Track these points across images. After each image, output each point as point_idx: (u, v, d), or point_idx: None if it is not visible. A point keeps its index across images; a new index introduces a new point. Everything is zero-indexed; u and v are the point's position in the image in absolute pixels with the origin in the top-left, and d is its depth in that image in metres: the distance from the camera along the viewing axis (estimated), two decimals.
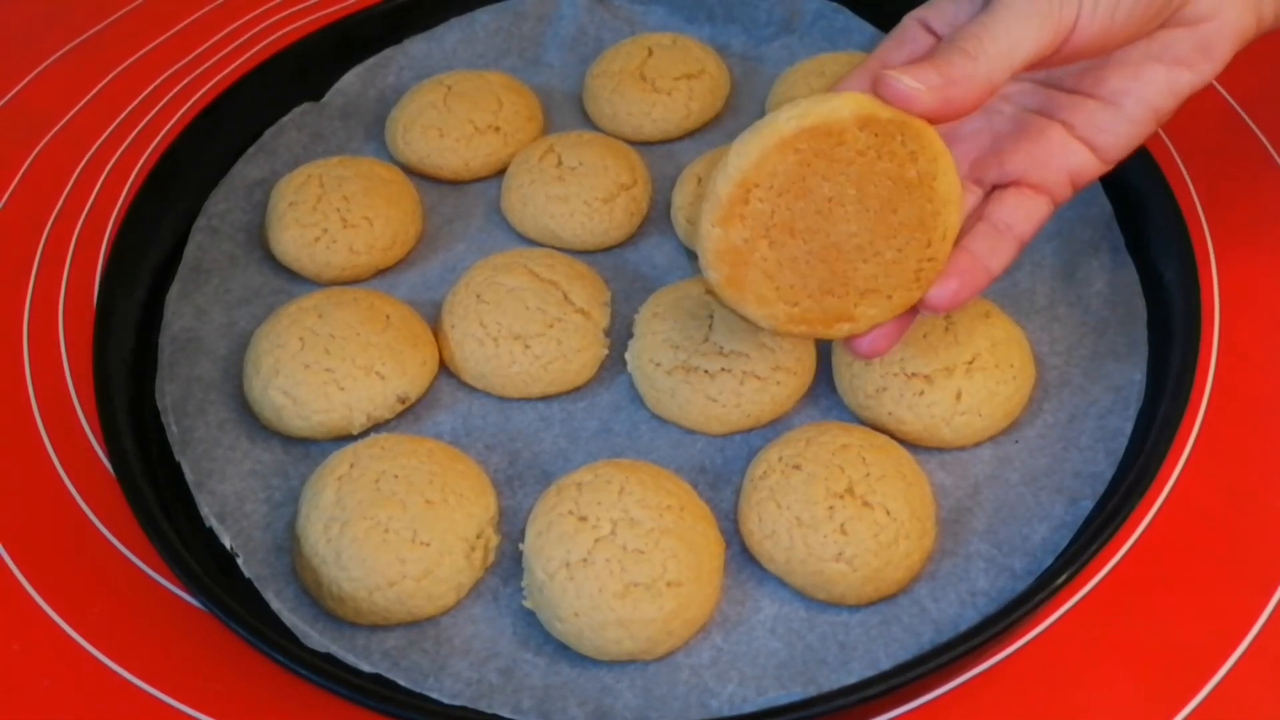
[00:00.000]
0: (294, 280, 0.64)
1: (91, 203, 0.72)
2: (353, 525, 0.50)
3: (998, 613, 0.46)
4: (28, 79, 0.80)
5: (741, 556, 0.52)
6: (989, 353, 0.54)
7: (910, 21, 0.49)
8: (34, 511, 0.57)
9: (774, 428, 0.56)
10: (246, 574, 0.51)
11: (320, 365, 0.56)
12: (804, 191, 0.43)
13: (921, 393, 0.54)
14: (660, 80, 0.71)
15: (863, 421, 0.56)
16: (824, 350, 0.59)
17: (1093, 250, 0.61)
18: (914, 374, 0.54)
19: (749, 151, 0.43)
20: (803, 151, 0.43)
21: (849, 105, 0.43)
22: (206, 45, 0.82)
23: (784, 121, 0.43)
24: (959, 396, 0.54)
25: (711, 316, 0.57)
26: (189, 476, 0.54)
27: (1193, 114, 0.71)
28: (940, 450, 0.55)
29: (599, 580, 0.48)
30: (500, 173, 0.70)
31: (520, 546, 0.51)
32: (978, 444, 0.55)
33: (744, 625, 0.50)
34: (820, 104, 0.43)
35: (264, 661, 0.46)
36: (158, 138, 0.75)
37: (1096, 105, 0.49)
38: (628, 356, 0.58)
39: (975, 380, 0.54)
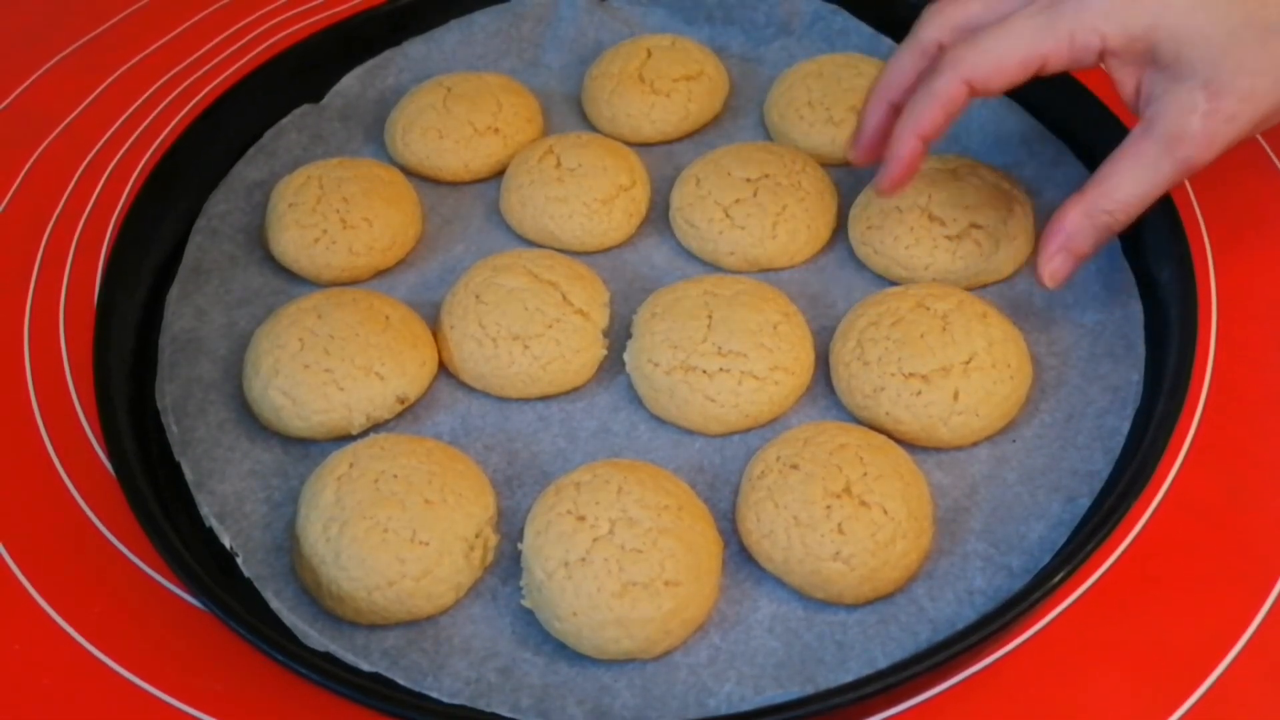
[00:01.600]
0: (294, 281, 0.64)
1: (92, 204, 0.72)
2: (352, 525, 0.50)
3: (995, 611, 0.46)
4: (29, 81, 0.80)
5: (739, 556, 0.52)
6: (986, 353, 0.55)
7: (958, 86, 0.51)
8: (34, 511, 0.57)
9: (772, 428, 0.57)
10: (246, 574, 0.51)
11: (320, 366, 0.56)
12: None
13: (919, 393, 0.54)
14: (659, 81, 0.71)
15: (860, 422, 0.56)
16: (822, 350, 0.59)
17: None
18: (911, 374, 0.54)
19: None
20: None
21: None
22: (207, 48, 0.82)
23: None
24: (956, 396, 0.54)
25: (710, 317, 0.57)
26: (189, 476, 0.55)
27: None
28: (938, 450, 0.55)
29: (597, 580, 0.48)
30: (499, 174, 0.70)
31: (519, 546, 0.52)
32: (975, 444, 0.55)
33: (742, 624, 0.50)
34: None
35: (264, 661, 0.47)
36: (158, 139, 0.76)
37: None
38: (626, 357, 0.58)
39: (972, 380, 0.54)
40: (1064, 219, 0.52)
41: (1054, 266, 0.53)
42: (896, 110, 0.53)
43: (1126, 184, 0.50)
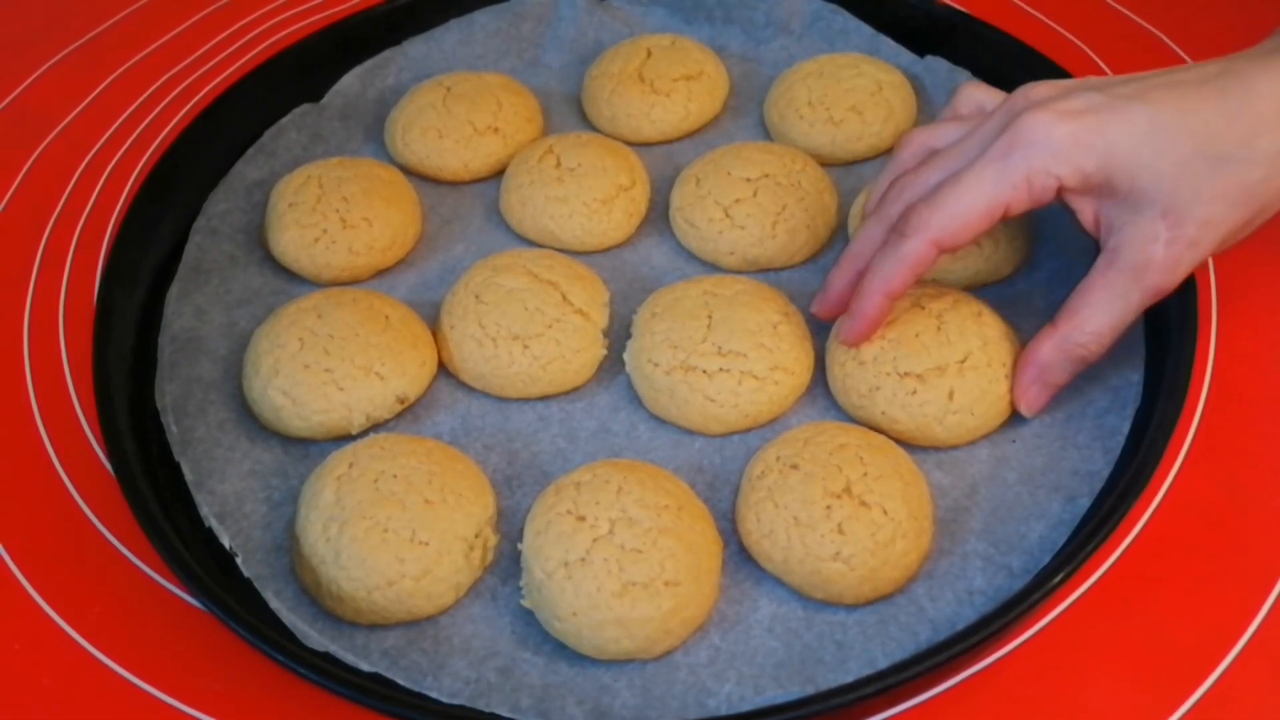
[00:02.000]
0: (293, 281, 0.64)
1: (92, 203, 0.72)
2: (352, 525, 0.50)
3: (995, 611, 0.46)
4: (29, 81, 0.80)
5: (739, 556, 0.52)
6: (981, 351, 0.55)
7: (927, 249, 0.51)
8: (34, 511, 0.57)
9: (772, 428, 0.57)
10: (246, 574, 0.51)
11: (320, 365, 0.56)
12: None
13: (914, 392, 0.54)
14: (659, 81, 0.71)
15: (857, 422, 0.56)
16: (822, 350, 0.59)
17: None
18: (906, 373, 0.54)
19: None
20: None
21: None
22: (206, 47, 0.82)
23: None
24: (951, 395, 0.54)
25: (710, 317, 0.57)
26: (188, 476, 0.55)
27: None
28: (935, 449, 0.55)
29: (597, 580, 0.48)
30: (499, 174, 0.70)
31: (519, 546, 0.52)
32: (971, 443, 0.55)
33: (742, 624, 0.50)
34: None
35: (263, 661, 0.47)
36: (158, 139, 0.76)
37: None
38: (626, 357, 0.58)
39: (968, 379, 0.54)
40: (1038, 352, 0.53)
41: (1030, 398, 0.54)
42: (861, 276, 0.54)
43: (1098, 316, 0.51)
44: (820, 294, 0.58)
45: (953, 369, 0.54)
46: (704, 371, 0.56)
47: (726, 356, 0.56)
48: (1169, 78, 0.50)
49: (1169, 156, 0.48)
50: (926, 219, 0.50)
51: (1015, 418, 0.56)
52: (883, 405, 0.54)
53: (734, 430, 0.56)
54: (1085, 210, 0.51)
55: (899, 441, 0.54)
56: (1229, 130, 0.48)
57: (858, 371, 0.55)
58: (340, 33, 0.73)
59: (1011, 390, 0.54)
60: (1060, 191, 0.50)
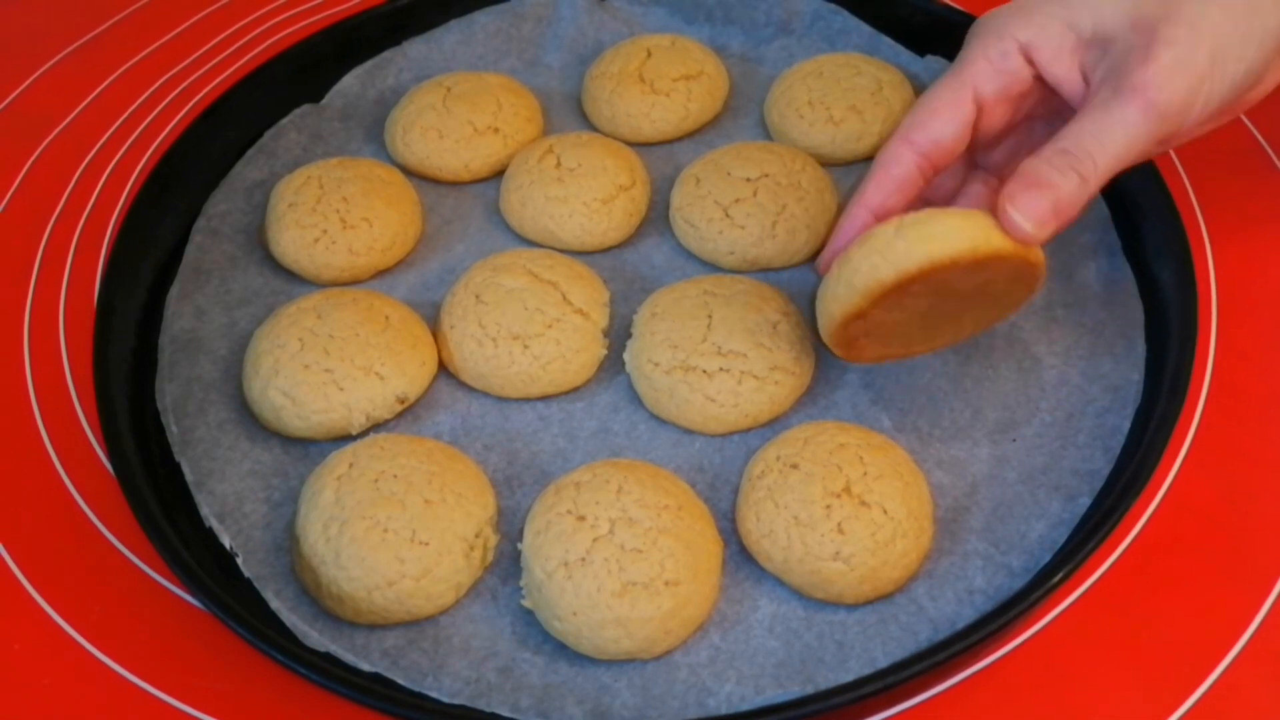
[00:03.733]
0: (293, 281, 0.64)
1: (92, 204, 0.72)
2: (352, 525, 0.50)
3: (995, 611, 0.46)
4: (29, 81, 0.80)
5: (739, 556, 0.52)
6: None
7: (899, 147, 0.50)
8: (34, 511, 0.57)
9: (772, 427, 0.57)
10: (246, 574, 0.51)
11: (320, 366, 0.56)
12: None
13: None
14: (659, 81, 0.71)
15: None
16: (822, 351, 0.59)
17: (1090, 252, 0.61)
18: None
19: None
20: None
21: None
22: (206, 48, 0.82)
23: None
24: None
25: (710, 316, 0.57)
26: (189, 476, 0.55)
27: None
28: (946, 445, 0.55)
29: (597, 579, 0.48)
30: (499, 174, 0.70)
31: (519, 546, 0.52)
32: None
33: (742, 624, 0.50)
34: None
35: (263, 661, 0.47)
36: (158, 139, 0.76)
37: None
38: (626, 357, 0.58)
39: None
40: (1032, 165, 0.46)
41: (1025, 202, 0.46)
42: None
43: (1089, 141, 0.46)
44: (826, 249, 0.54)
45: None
46: (704, 371, 0.56)
47: (726, 356, 0.56)
48: None
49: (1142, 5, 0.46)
50: (900, 123, 0.50)
51: (1017, 418, 0.55)
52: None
53: (734, 430, 0.56)
54: (1069, 76, 0.48)
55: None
56: None
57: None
58: (340, 33, 0.73)
59: (1002, 214, 0.45)
60: (1028, 60, 0.48)
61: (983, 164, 0.55)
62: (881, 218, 0.50)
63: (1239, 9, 0.46)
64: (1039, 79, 0.50)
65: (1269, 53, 0.47)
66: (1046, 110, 0.52)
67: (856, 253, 0.46)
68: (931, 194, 0.55)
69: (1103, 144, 0.45)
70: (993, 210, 0.46)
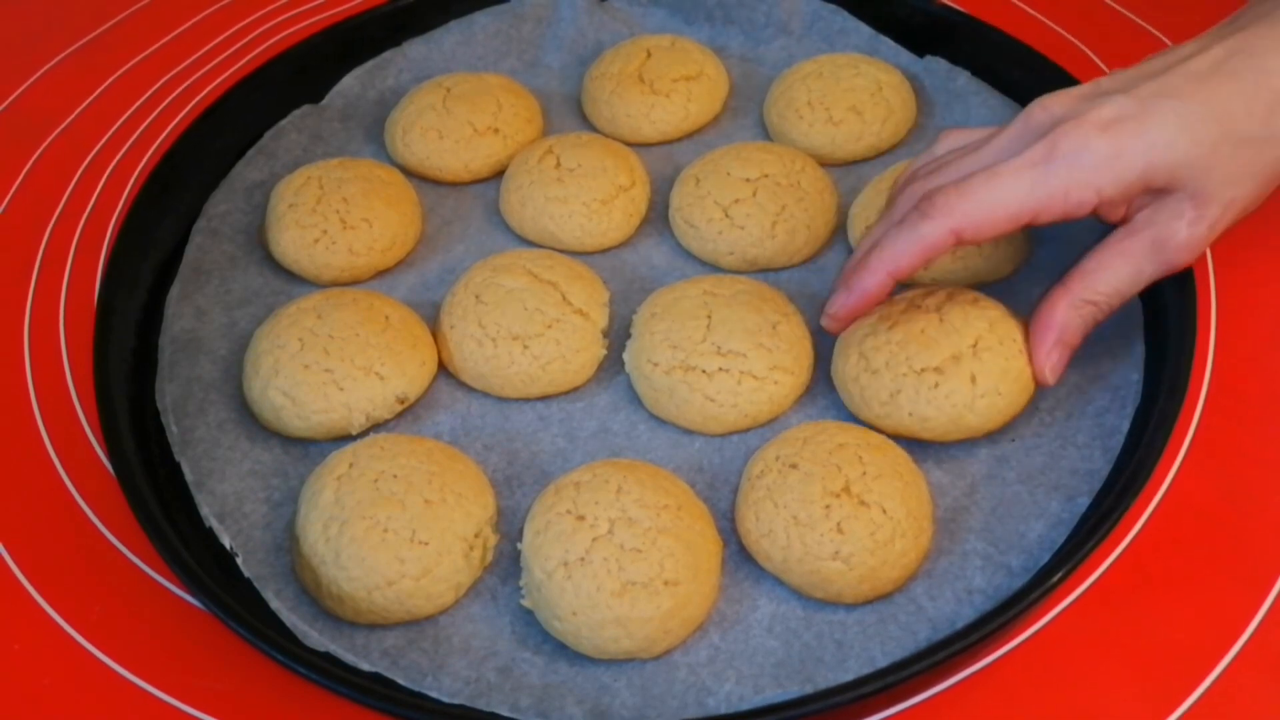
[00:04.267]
0: (293, 281, 0.64)
1: (92, 204, 0.72)
2: (352, 525, 0.50)
3: (994, 610, 0.46)
4: (29, 82, 0.80)
5: (739, 555, 0.52)
6: (990, 333, 0.54)
7: (943, 234, 0.51)
8: (34, 511, 0.57)
9: (772, 427, 0.57)
10: (246, 573, 0.51)
11: (319, 366, 0.56)
12: None
13: (936, 385, 0.53)
14: (659, 82, 0.71)
15: (884, 431, 0.54)
16: (821, 351, 0.59)
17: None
18: (924, 369, 0.54)
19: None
20: None
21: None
22: (207, 48, 0.82)
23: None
24: (974, 380, 0.53)
25: (710, 316, 0.57)
26: (189, 476, 0.55)
27: None
28: (946, 445, 0.55)
29: (597, 579, 0.48)
30: (499, 174, 0.70)
31: (518, 546, 0.52)
32: (1004, 425, 0.54)
33: (741, 624, 0.50)
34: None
35: (263, 661, 0.47)
36: (158, 140, 0.76)
37: None
38: (626, 357, 0.58)
39: (985, 361, 0.53)
40: (1054, 313, 0.52)
41: (1053, 363, 0.53)
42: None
43: (1112, 278, 0.51)
44: (838, 291, 0.54)
45: (967, 354, 0.53)
46: (703, 371, 0.56)
47: (726, 356, 0.56)
48: (1181, 67, 0.50)
49: (1203, 143, 0.49)
50: (954, 204, 0.50)
51: (1018, 416, 0.55)
52: (908, 407, 0.54)
53: (733, 430, 0.56)
54: (1117, 213, 0.52)
55: (933, 440, 0.54)
56: (1249, 112, 0.49)
57: (873, 381, 0.54)
58: (340, 34, 0.74)
59: (1031, 361, 0.53)
60: (1098, 208, 0.51)
61: None
62: (899, 281, 0.52)
63: (1262, 186, 0.51)
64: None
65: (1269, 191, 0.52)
66: None
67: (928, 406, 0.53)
68: None
69: (1122, 295, 0.52)
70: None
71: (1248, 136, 0.49)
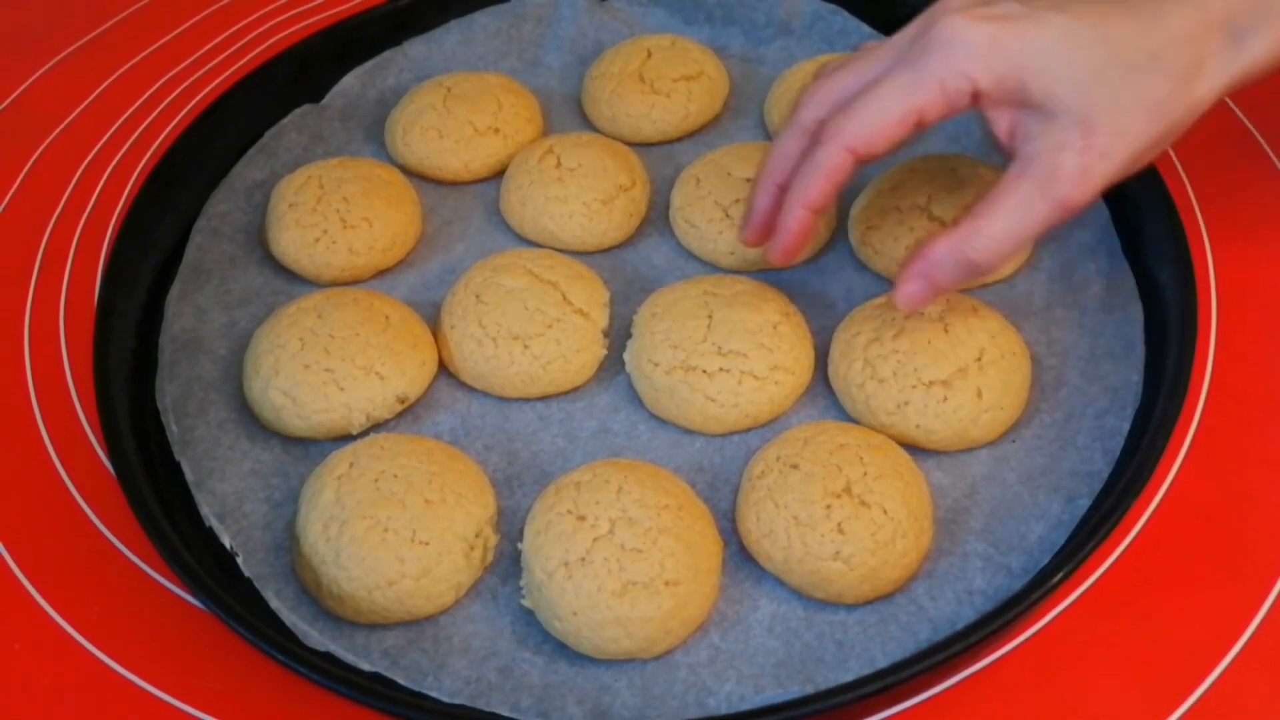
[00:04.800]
0: (294, 281, 0.64)
1: (93, 204, 0.72)
2: (352, 525, 0.50)
3: (994, 611, 0.46)
4: (29, 81, 0.80)
5: (739, 556, 0.52)
6: (993, 345, 0.55)
7: (843, 155, 0.51)
8: (35, 511, 0.57)
9: (772, 428, 0.57)
10: (246, 573, 0.51)
11: (320, 365, 0.56)
12: None
13: (945, 399, 0.54)
14: (659, 82, 0.71)
15: (889, 438, 0.55)
16: (822, 350, 0.59)
17: (1090, 253, 0.61)
18: (932, 382, 0.54)
19: None
20: None
21: None
22: (207, 48, 0.82)
23: None
24: (980, 394, 0.54)
25: (710, 316, 0.57)
26: (189, 476, 0.55)
27: None
28: (939, 451, 0.55)
29: (597, 579, 0.48)
30: (500, 174, 0.70)
31: (519, 546, 0.52)
32: (999, 438, 0.55)
33: (742, 624, 0.50)
34: None
35: (264, 660, 0.47)
36: (158, 140, 0.76)
37: None
38: (626, 357, 0.58)
39: (989, 375, 0.54)
40: (931, 249, 0.51)
41: (909, 291, 0.52)
42: (784, 191, 0.54)
43: (999, 222, 0.49)
44: (744, 220, 0.56)
45: (973, 368, 0.54)
46: (704, 371, 0.56)
47: (726, 356, 0.56)
48: None
49: (1084, 64, 0.48)
50: (841, 126, 0.50)
51: (1019, 418, 0.56)
52: (915, 419, 0.54)
53: (734, 430, 0.56)
54: (1000, 121, 0.50)
55: (935, 450, 0.54)
56: (1140, 44, 0.48)
57: (880, 390, 0.55)
58: (341, 34, 0.74)
59: (895, 282, 0.52)
60: (975, 98, 0.49)
61: None
62: (817, 213, 0.53)
63: (1164, 125, 0.48)
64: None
65: (1169, 142, 0.50)
66: None
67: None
68: None
69: (1016, 236, 0.49)
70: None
71: (1137, 65, 0.48)
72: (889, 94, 0.49)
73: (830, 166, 0.50)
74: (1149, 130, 0.48)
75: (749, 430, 0.57)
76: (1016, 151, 0.50)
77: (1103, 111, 0.48)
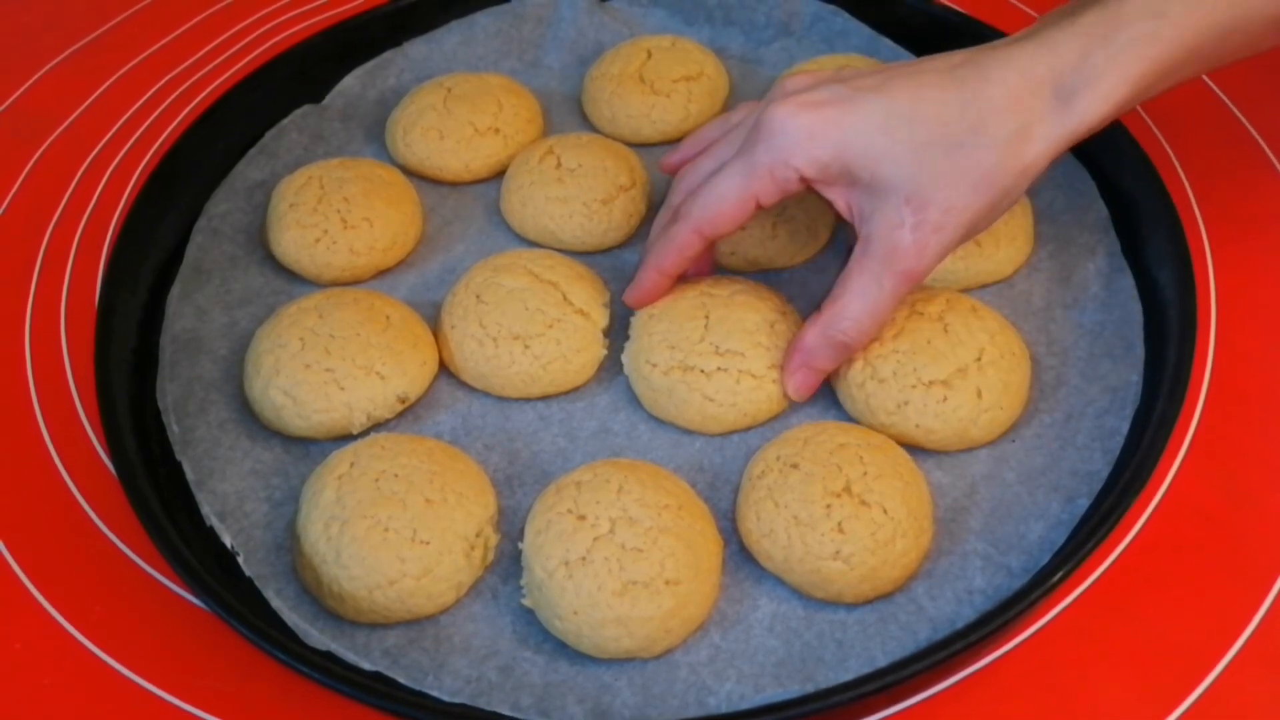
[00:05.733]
0: (294, 281, 0.64)
1: (93, 204, 0.72)
2: (353, 524, 0.50)
3: (994, 610, 0.46)
4: (30, 82, 0.80)
5: (740, 555, 0.52)
6: (992, 345, 0.55)
7: (690, 236, 0.55)
8: (36, 511, 0.57)
9: (772, 427, 0.57)
10: (247, 573, 0.51)
11: (320, 365, 0.56)
12: None
13: (944, 399, 0.54)
14: (659, 82, 0.71)
15: (889, 437, 0.55)
16: None
17: (1089, 254, 0.61)
18: (932, 382, 0.54)
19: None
20: None
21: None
22: (208, 48, 0.82)
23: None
24: (980, 394, 0.54)
25: (707, 316, 0.57)
26: (190, 476, 0.55)
27: (1190, 116, 0.72)
28: (940, 451, 0.55)
29: (598, 578, 0.48)
30: (500, 174, 0.70)
31: (519, 545, 0.52)
32: (999, 438, 0.55)
33: (742, 623, 0.50)
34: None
35: (265, 660, 0.47)
36: (159, 140, 0.76)
37: None
38: (624, 359, 0.58)
39: (989, 375, 0.54)
40: (804, 338, 0.54)
41: (796, 382, 0.56)
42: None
43: (855, 302, 0.52)
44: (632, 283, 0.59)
45: (973, 368, 0.54)
46: (701, 371, 0.56)
47: (724, 356, 0.56)
48: (914, 67, 0.52)
49: (905, 145, 0.49)
50: (690, 209, 0.54)
51: (1018, 417, 0.56)
52: (915, 419, 0.54)
53: (733, 429, 0.56)
54: (838, 200, 0.52)
55: (934, 449, 0.54)
56: (961, 117, 0.49)
57: (880, 390, 0.55)
58: (341, 34, 0.74)
59: (782, 376, 0.56)
60: (804, 182, 0.51)
61: None
62: (673, 279, 0.58)
63: (995, 193, 0.50)
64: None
65: (1007, 204, 0.52)
66: None
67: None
68: None
69: (875, 315, 0.53)
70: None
71: (959, 140, 0.49)
72: (726, 184, 0.53)
73: (682, 243, 0.55)
74: (977, 201, 0.50)
75: (748, 429, 0.57)
76: (859, 230, 0.52)
77: (928, 188, 0.50)
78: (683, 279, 0.59)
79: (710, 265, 0.61)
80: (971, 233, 0.51)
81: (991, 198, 0.50)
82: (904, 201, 0.50)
